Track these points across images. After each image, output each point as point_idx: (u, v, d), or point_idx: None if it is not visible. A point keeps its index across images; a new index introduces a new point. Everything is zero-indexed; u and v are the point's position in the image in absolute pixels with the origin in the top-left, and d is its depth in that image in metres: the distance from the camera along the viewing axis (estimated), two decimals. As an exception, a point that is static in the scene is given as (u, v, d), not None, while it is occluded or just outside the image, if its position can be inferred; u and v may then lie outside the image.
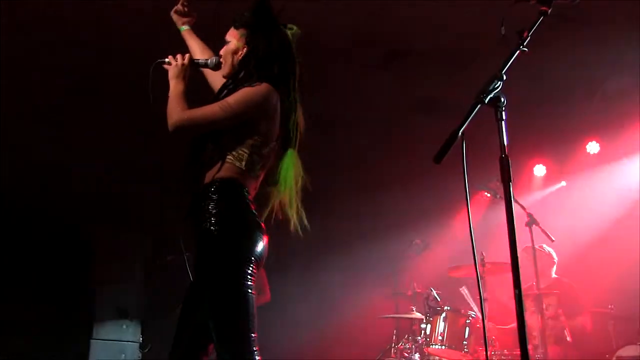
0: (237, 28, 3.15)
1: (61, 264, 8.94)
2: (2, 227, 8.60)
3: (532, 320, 5.76)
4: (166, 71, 3.09)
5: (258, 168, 2.95)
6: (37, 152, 8.08)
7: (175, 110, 2.85)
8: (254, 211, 2.89)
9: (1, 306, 8.52)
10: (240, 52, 3.10)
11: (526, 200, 7.34)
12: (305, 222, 3.03)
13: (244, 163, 2.89)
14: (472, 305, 6.35)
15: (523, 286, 2.15)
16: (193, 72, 3.16)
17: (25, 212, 8.91)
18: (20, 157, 8.09)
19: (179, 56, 3.10)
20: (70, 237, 9.11)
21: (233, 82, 3.08)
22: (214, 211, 2.80)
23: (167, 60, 3.10)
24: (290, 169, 3.02)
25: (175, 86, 2.99)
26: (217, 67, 3.16)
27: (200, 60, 3.21)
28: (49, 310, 8.76)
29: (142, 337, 7.65)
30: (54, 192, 8.81)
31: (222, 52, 3.16)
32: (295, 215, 3.01)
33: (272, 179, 3.03)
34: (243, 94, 2.89)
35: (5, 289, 8.63)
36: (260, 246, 2.85)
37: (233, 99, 2.88)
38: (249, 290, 2.76)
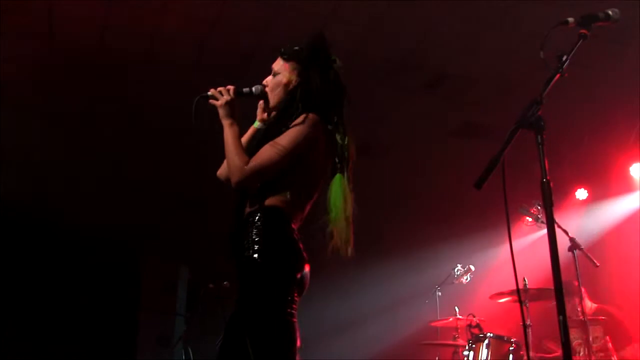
0: (286, 60, 3.11)
1: (106, 292, 9.07)
2: (52, 255, 8.81)
3: (578, 348, 5.64)
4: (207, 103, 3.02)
5: (303, 197, 2.94)
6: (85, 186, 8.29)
7: (236, 167, 2.81)
8: (297, 240, 2.88)
9: (46, 332, 8.66)
10: (291, 86, 3.07)
11: (569, 224, 7.22)
12: (352, 251, 2.96)
13: (288, 192, 2.88)
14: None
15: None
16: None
17: (73, 240, 9.11)
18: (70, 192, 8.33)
19: (222, 89, 3.01)
20: (116, 265, 9.26)
21: (280, 118, 3.02)
22: (257, 239, 2.79)
23: (209, 94, 3.00)
24: (339, 195, 2.96)
25: (229, 129, 2.93)
26: (262, 95, 3.11)
27: (245, 90, 3.10)
28: (92, 338, 8.86)
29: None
30: (102, 222, 9.01)
31: (271, 83, 3.11)
32: (344, 244, 2.93)
33: (326, 209, 2.97)
34: (295, 133, 2.85)
35: (50, 317, 8.77)
36: (303, 274, 2.83)
37: (286, 140, 2.83)
38: (292, 319, 2.75)
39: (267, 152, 2.83)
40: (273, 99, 3.10)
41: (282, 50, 3.14)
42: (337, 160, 3.01)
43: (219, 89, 3.00)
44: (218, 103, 2.98)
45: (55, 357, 8.73)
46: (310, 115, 2.91)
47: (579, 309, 5.79)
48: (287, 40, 3.17)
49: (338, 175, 3.00)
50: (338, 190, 2.97)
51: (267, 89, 3.11)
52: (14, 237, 8.67)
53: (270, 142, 2.85)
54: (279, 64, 3.13)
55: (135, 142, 7.53)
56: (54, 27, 5.55)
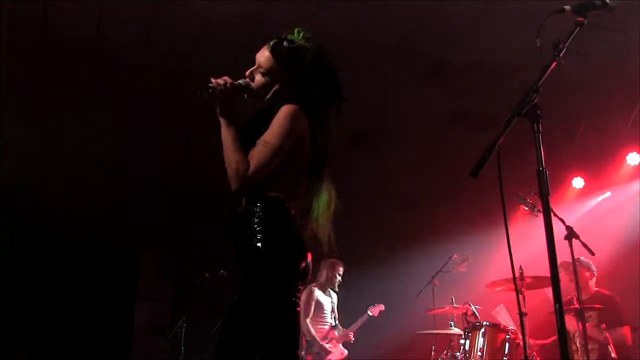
0: (273, 56, 3.02)
1: (102, 281, 9.09)
2: (49, 247, 8.84)
3: (574, 335, 5.66)
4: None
5: (295, 187, 2.94)
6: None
7: (238, 175, 2.79)
8: (298, 228, 2.89)
9: (43, 322, 8.67)
10: (276, 84, 3.03)
11: (565, 213, 7.22)
12: (334, 245, 3.02)
13: (285, 182, 2.89)
14: (509, 324, 6.25)
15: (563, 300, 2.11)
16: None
17: (70, 230, 9.15)
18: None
19: (220, 81, 2.91)
20: (113, 255, 9.29)
21: (264, 112, 2.97)
22: (260, 228, 2.80)
23: (210, 85, 2.88)
24: (324, 194, 3.02)
25: (226, 130, 2.87)
26: (248, 89, 3.02)
27: (237, 83, 2.98)
28: (89, 326, 8.88)
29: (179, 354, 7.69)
30: (99, 212, 9.03)
31: (257, 78, 3.05)
32: (327, 237, 3.01)
33: (306, 206, 3.00)
34: (281, 129, 2.84)
35: (47, 307, 8.79)
36: (305, 262, 2.85)
37: (275, 137, 2.82)
38: (296, 307, 2.78)
39: (262, 155, 2.81)
40: (260, 94, 3.05)
41: (272, 43, 3.05)
42: (320, 157, 3.03)
43: (218, 80, 2.92)
44: (215, 96, 2.89)
45: (52, 346, 8.75)
46: (292, 107, 2.88)
47: (574, 297, 5.79)
48: (281, 28, 3.13)
49: (322, 177, 3.05)
50: (326, 187, 3.03)
51: (254, 84, 3.04)
52: (12, 228, 8.68)
53: (261, 142, 2.82)
54: (262, 54, 3.05)
55: (133, 135, 7.53)
56: (47, 12, 5.53)
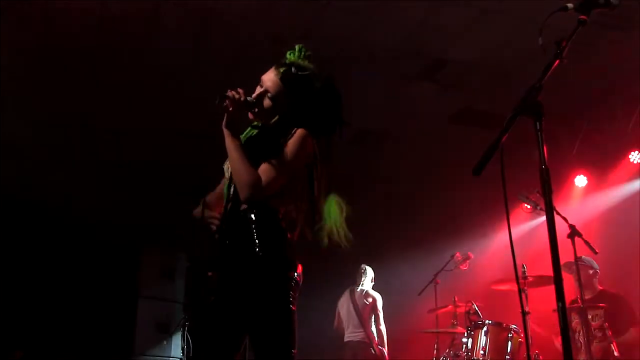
0: (280, 79, 3.04)
1: (105, 280, 9.09)
2: (52, 245, 8.84)
3: (577, 334, 5.65)
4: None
5: (291, 198, 2.98)
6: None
7: (248, 184, 2.83)
8: (290, 237, 2.95)
9: (46, 321, 8.68)
10: (282, 107, 3.06)
11: (568, 211, 7.21)
12: (349, 241, 3.06)
13: (279, 195, 2.93)
14: None
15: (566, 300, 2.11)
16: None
17: (73, 228, 9.15)
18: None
19: (235, 93, 2.92)
20: (116, 253, 9.28)
21: (272, 132, 3.04)
22: (256, 235, 2.87)
23: (228, 94, 2.89)
24: (332, 204, 3.05)
25: (231, 142, 2.90)
26: (252, 107, 3.03)
27: (250, 99, 3.00)
28: (92, 325, 8.89)
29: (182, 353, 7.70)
30: (102, 210, 9.03)
31: (264, 100, 3.06)
32: (343, 239, 3.04)
33: (318, 217, 3.03)
34: (294, 149, 2.92)
35: (50, 305, 8.79)
36: (299, 270, 2.93)
37: (287, 157, 2.89)
38: (292, 307, 2.84)
39: (274, 170, 2.86)
40: (265, 116, 3.09)
41: (282, 70, 3.06)
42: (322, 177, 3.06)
43: (233, 92, 2.93)
44: (229, 107, 2.90)
45: (56, 344, 8.76)
46: (305, 132, 2.96)
47: (578, 297, 5.79)
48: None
49: (331, 196, 3.08)
50: (331, 203, 3.06)
51: (263, 104, 3.05)
52: (14, 227, 8.68)
53: (274, 160, 2.88)
54: (270, 79, 3.07)
55: (135, 134, 7.54)
56: (48, 12, 5.53)
